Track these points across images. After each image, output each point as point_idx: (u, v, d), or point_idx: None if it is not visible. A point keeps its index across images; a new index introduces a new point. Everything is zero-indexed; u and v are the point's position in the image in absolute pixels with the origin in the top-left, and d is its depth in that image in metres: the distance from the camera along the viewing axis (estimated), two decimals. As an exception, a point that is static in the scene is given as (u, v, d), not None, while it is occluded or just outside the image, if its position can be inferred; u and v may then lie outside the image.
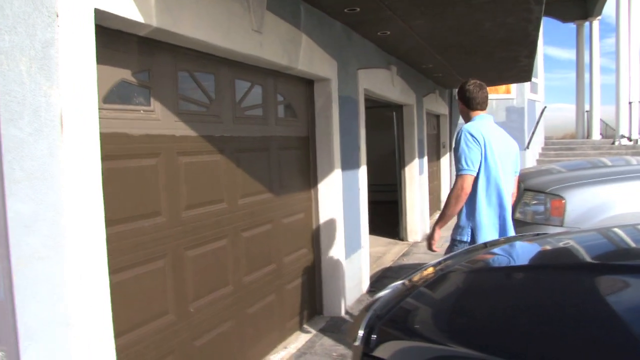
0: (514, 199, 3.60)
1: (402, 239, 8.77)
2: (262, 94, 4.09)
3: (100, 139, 2.18)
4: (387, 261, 7.36)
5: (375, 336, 1.45)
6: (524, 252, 2.14)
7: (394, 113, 8.55)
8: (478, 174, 3.25)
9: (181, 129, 3.08)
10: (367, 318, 1.50)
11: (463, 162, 3.24)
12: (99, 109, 2.21)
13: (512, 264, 2.00)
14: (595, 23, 16.82)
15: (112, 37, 2.55)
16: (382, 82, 6.61)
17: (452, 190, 3.32)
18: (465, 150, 3.23)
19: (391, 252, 7.94)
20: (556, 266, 1.69)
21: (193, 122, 3.19)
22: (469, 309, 1.56)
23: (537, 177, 4.31)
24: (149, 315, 2.79)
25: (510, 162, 3.41)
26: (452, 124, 12.76)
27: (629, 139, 14.80)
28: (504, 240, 2.37)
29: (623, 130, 14.80)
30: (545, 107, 14.28)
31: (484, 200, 3.28)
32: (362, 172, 5.80)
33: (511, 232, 3.35)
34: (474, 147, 3.22)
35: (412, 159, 8.61)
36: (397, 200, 8.79)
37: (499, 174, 3.27)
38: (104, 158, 2.23)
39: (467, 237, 3.43)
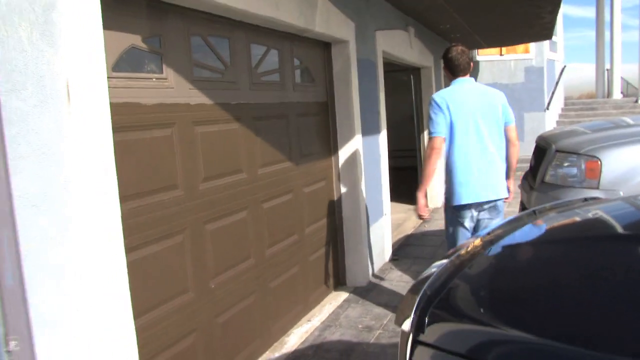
0: (513, 148, 3.75)
1: (421, 205, 8.60)
2: (278, 59, 3.89)
3: (111, 110, 2.01)
4: (409, 228, 7.21)
5: (426, 320, 1.29)
6: (582, 220, 1.94)
7: (411, 76, 8.29)
8: (451, 136, 3.53)
9: (196, 97, 2.91)
10: (417, 301, 1.35)
11: (430, 127, 3.61)
12: (108, 77, 2.04)
13: (573, 234, 1.80)
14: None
15: (119, 1, 2.37)
16: (400, 44, 6.36)
17: (426, 153, 3.67)
18: (432, 116, 3.59)
19: (412, 218, 7.78)
20: (630, 237, 1.51)
21: (208, 89, 3.01)
22: (525, 287, 1.40)
23: (568, 138, 4.09)
24: (168, 294, 2.67)
25: (491, 116, 3.57)
26: (470, 86, 12.45)
27: (654, 96, 14.41)
28: (549, 207, 2.18)
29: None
30: (565, 66, 13.88)
31: (455, 159, 3.54)
32: (383, 137, 5.62)
33: (492, 180, 3.53)
34: (438, 112, 3.53)
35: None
36: (416, 166, 8.59)
37: (469, 132, 3.49)
38: (116, 130, 2.06)
39: (453, 200, 3.60)
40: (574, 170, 3.76)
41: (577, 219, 1.92)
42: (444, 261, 1.63)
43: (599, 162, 3.64)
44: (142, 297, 2.40)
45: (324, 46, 4.60)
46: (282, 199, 3.82)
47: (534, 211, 2.11)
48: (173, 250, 2.72)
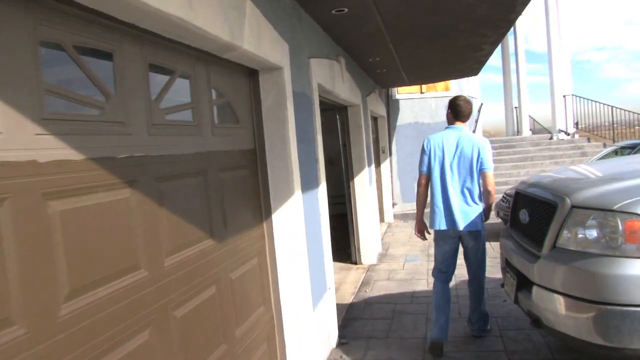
0: (488, 195, 4.28)
1: (355, 262, 7.52)
2: (191, 89, 2.68)
3: None
4: (347, 295, 6.06)
5: None
6: None
7: (337, 115, 7.30)
8: (431, 173, 4.31)
9: (50, 150, 1.64)
10: None
11: (418, 165, 4.45)
12: None
13: None
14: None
15: None
16: (334, 77, 5.34)
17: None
18: (420, 156, 4.43)
19: (347, 281, 6.66)
20: None
21: (74, 135, 1.75)
22: None
23: (585, 189, 3.10)
24: None
25: (465, 161, 4.19)
26: (391, 127, 11.70)
27: (567, 134, 14.38)
28: None
29: (560, 124, 14.34)
30: (482, 103, 13.57)
31: (433, 194, 4.30)
32: (322, 191, 4.49)
33: (457, 215, 4.19)
34: (424, 154, 4.38)
35: (361, 167, 7.39)
36: (346, 214, 7.53)
37: (445, 173, 4.22)
38: None
39: (431, 225, 4.37)
40: (604, 233, 2.78)
41: None
42: None
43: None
44: None
45: (250, 74, 3.45)
46: (202, 297, 2.55)
47: None
48: None
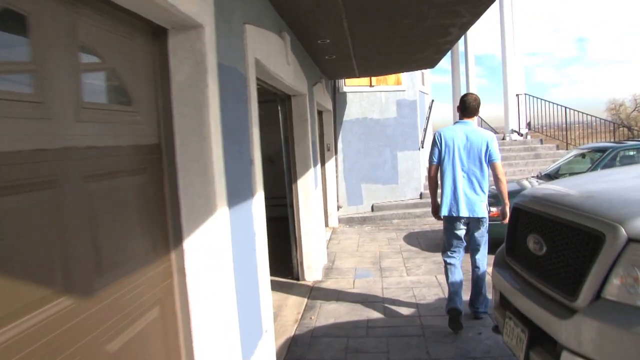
0: (500, 182, 4.57)
1: (298, 279, 6.45)
2: (31, 40, 1.54)
3: None
4: (289, 324, 4.98)
5: None
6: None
7: (279, 106, 6.20)
8: (442, 163, 4.64)
9: None
10: None
11: (429, 156, 4.79)
12: None
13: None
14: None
15: None
16: (277, 56, 4.24)
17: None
18: (431, 147, 4.79)
19: (289, 304, 5.58)
20: None
21: None
22: None
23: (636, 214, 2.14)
24: None
25: (475, 152, 4.53)
26: (337, 122, 10.68)
27: (519, 134, 13.78)
28: None
29: (512, 124, 13.73)
30: (433, 100, 12.75)
31: (443, 182, 4.65)
32: (258, 202, 3.38)
33: (464, 202, 4.53)
34: (435, 146, 4.70)
35: (305, 168, 6.32)
36: (286, 216, 6.44)
37: (455, 163, 4.56)
38: None
39: (440, 212, 4.69)
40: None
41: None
42: None
43: None
44: None
45: (155, 35, 2.32)
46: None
47: None
48: None
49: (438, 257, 7.32)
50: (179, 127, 2.39)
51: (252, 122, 3.26)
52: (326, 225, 10.11)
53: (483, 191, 4.54)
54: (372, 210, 10.98)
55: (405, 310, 5.18)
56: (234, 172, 2.82)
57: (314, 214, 6.39)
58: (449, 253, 4.75)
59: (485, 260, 4.75)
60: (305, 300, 5.66)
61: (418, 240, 8.60)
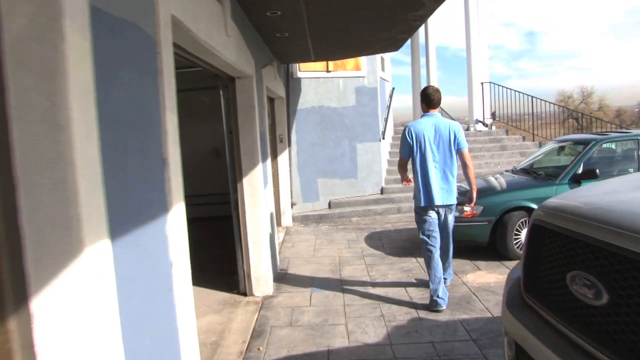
0: (468, 168, 4.90)
1: (244, 293, 5.49)
2: None
3: None
4: (232, 355, 4.03)
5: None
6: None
7: (221, 91, 5.20)
8: (413, 156, 4.85)
9: None
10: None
11: (400, 150, 4.96)
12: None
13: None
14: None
15: None
16: (210, 21, 3.26)
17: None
18: (401, 142, 4.95)
19: (233, 328, 4.62)
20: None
21: None
22: None
23: None
24: None
25: (444, 143, 4.80)
26: (291, 111, 9.71)
27: (484, 124, 13.10)
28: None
29: (477, 114, 13.04)
30: (393, 88, 11.89)
31: (417, 174, 4.85)
32: (176, 219, 2.40)
33: (438, 191, 4.80)
34: (405, 140, 4.88)
35: (252, 163, 5.35)
36: (230, 214, 5.46)
37: (427, 155, 4.78)
38: None
39: (417, 202, 4.89)
40: None
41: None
42: None
43: None
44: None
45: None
46: None
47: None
48: None
49: (405, 262, 6.50)
50: (19, 110, 1.41)
51: (166, 105, 2.28)
52: (279, 224, 9.17)
53: (453, 178, 4.87)
54: (330, 207, 10.08)
55: (373, 336, 4.30)
56: (125, 180, 1.84)
57: (263, 217, 5.43)
58: (429, 240, 4.92)
59: (451, 244, 5.22)
60: (253, 323, 4.70)
61: (381, 241, 7.74)
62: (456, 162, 4.87)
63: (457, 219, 6.29)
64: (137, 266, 1.94)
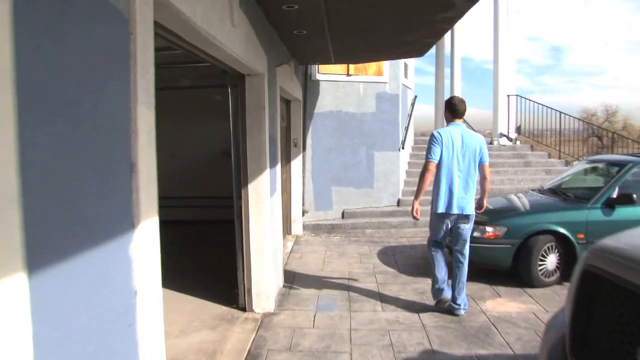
0: (486, 181, 5.00)
1: (243, 308, 5.07)
2: None
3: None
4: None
5: None
6: None
7: (229, 88, 4.81)
8: (439, 162, 4.82)
9: None
10: None
11: (428, 153, 4.86)
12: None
13: None
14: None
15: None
16: (210, 5, 2.85)
17: (421, 172, 4.94)
18: (430, 145, 4.86)
19: (226, 348, 4.19)
20: None
21: None
22: None
23: None
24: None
25: (470, 154, 4.83)
26: (307, 114, 9.29)
27: (509, 139, 12.56)
28: None
29: (501, 127, 12.51)
30: (416, 96, 11.43)
31: (440, 180, 4.84)
32: (146, 237, 1.98)
33: (458, 199, 4.80)
34: (437, 144, 4.83)
35: (259, 169, 4.94)
36: (232, 219, 5.05)
37: (453, 163, 4.80)
38: None
39: (435, 209, 4.89)
40: None
41: None
42: None
43: None
44: None
45: None
46: None
47: None
48: None
49: (419, 283, 6.04)
50: None
51: (138, 98, 1.86)
52: (288, 232, 8.76)
53: (474, 189, 4.91)
54: (343, 217, 9.63)
55: (379, 369, 3.85)
56: (71, 190, 1.43)
57: (268, 227, 5.01)
58: (436, 244, 5.09)
59: (468, 253, 5.07)
60: (249, 344, 4.28)
61: (395, 258, 7.28)
62: (477, 175, 4.92)
63: (478, 240, 5.85)
64: (82, 299, 1.52)
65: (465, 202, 4.84)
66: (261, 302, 5.04)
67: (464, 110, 4.99)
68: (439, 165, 4.83)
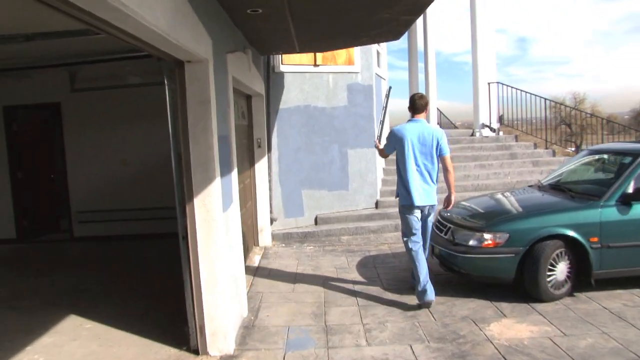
0: (448, 173, 5.11)
1: (196, 351, 4.09)
2: None
3: None
4: None
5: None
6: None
7: (165, 79, 3.82)
8: (397, 158, 5.14)
9: None
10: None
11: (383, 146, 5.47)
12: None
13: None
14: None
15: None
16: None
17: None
18: (386, 141, 5.35)
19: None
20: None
21: None
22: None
23: None
24: None
25: (427, 148, 5.03)
26: (272, 111, 8.31)
27: (491, 129, 11.73)
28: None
29: (483, 118, 11.68)
30: (390, 87, 10.50)
31: (400, 175, 5.12)
32: None
33: (419, 192, 4.98)
34: (390, 143, 5.25)
35: (208, 179, 3.96)
36: (176, 232, 4.07)
37: (409, 158, 5.00)
38: None
39: (410, 202, 5.03)
40: None
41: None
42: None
43: None
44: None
45: None
46: None
47: None
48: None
49: (408, 300, 5.15)
50: None
51: None
52: (256, 244, 7.79)
53: (434, 182, 5.10)
54: (316, 223, 8.67)
55: None
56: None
57: (221, 250, 4.04)
58: (413, 239, 5.10)
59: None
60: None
61: (377, 271, 6.37)
62: (437, 167, 5.11)
63: (475, 250, 5.01)
64: None
65: (428, 193, 5.04)
66: (217, 342, 4.07)
67: (424, 106, 5.16)
68: (397, 161, 5.13)
